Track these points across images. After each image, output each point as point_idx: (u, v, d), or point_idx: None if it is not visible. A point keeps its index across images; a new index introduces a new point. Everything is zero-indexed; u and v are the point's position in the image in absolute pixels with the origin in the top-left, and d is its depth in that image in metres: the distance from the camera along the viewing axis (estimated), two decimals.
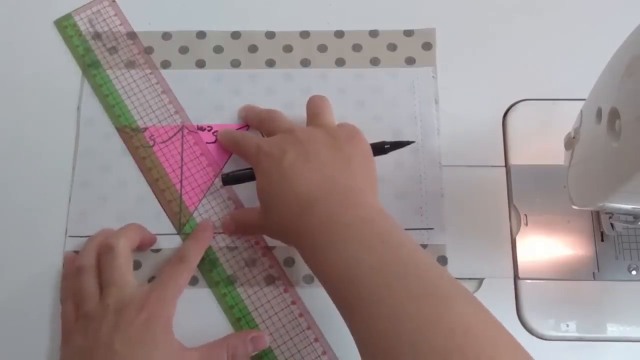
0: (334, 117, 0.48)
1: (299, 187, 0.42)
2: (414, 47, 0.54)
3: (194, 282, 0.47)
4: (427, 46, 0.54)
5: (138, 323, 0.41)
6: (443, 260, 0.48)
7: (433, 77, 0.53)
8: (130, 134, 0.51)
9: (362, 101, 0.52)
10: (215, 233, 0.48)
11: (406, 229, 0.48)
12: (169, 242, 0.48)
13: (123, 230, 0.46)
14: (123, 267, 0.44)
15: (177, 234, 0.48)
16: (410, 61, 0.53)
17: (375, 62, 0.53)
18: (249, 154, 0.47)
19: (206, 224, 0.48)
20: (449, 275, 0.38)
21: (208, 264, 0.48)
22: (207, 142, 0.51)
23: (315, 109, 0.48)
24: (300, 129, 0.46)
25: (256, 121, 0.51)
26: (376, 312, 0.35)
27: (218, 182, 0.50)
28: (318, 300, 0.46)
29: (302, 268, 0.48)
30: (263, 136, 0.50)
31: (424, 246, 0.48)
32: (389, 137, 0.51)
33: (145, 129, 0.51)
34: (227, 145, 0.50)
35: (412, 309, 0.34)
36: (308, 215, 0.41)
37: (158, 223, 0.49)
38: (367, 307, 0.36)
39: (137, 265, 0.48)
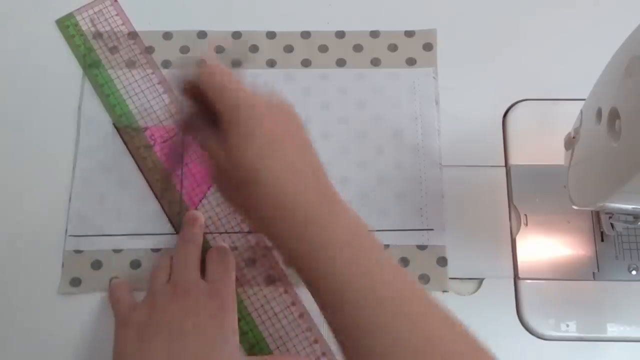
0: None
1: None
2: (415, 48, 0.54)
3: None
4: (428, 47, 0.54)
5: (210, 308, 0.41)
6: (443, 261, 0.48)
7: (434, 77, 0.53)
8: (131, 134, 0.51)
9: (363, 102, 0.52)
10: (214, 233, 0.49)
11: (406, 230, 0.49)
12: (169, 242, 0.48)
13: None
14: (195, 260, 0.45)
15: (177, 234, 0.48)
16: (411, 62, 0.53)
17: (376, 62, 0.53)
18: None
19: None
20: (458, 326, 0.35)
21: None
22: None
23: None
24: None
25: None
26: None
27: None
28: None
29: None
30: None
31: (424, 247, 0.48)
32: (390, 137, 0.51)
33: (146, 129, 0.51)
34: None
35: None
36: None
37: (158, 223, 0.49)
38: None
39: (136, 265, 0.48)
